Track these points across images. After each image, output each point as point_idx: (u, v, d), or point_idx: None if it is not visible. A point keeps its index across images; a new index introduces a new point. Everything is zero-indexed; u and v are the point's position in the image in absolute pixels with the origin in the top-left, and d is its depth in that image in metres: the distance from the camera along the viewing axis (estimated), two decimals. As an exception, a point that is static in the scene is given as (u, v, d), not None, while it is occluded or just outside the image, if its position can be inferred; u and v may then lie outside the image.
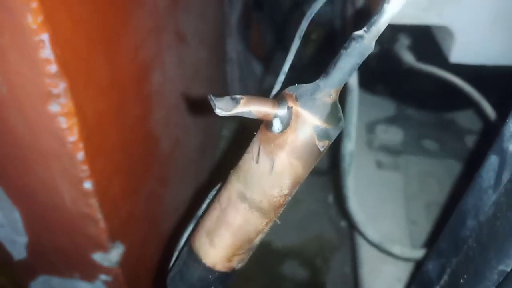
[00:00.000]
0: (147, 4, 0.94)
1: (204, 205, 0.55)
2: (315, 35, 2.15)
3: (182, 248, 0.55)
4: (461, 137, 1.33)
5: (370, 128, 1.33)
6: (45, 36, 0.60)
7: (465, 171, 1.19)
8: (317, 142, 0.42)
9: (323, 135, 0.42)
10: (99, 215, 0.84)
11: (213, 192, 0.55)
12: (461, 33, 0.75)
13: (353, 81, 0.89)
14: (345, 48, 0.40)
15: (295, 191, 0.47)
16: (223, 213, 0.48)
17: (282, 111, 0.42)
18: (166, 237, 1.23)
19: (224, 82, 1.95)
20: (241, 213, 0.47)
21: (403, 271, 0.95)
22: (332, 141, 0.44)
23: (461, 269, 0.49)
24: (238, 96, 0.41)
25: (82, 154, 0.75)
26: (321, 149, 0.43)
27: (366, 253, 1.02)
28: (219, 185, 0.53)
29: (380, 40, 1.23)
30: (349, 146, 0.83)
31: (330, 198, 1.84)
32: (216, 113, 0.40)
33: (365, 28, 0.39)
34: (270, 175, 0.44)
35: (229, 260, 0.49)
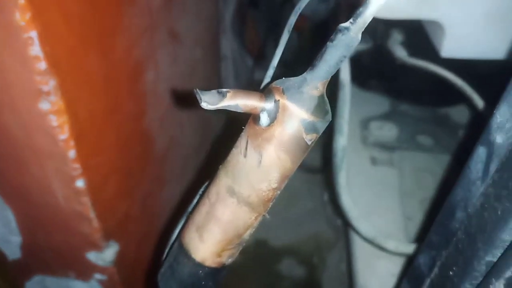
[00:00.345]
0: (140, 2, 0.94)
1: (195, 201, 0.55)
2: (310, 33, 2.15)
3: (173, 243, 0.55)
4: (456, 132, 1.33)
5: (364, 124, 1.33)
6: (33, 33, 0.60)
7: (459, 166, 1.19)
8: (304, 135, 0.42)
9: (310, 128, 0.42)
10: (92, 214, 0.84)
11: (203, 188, 0.55)
12: (451, 27, 0.75)
13: (345, 75, 0.89)
14: (331, 41, 0.40)
15: (284, 185, 0.47)
16: (212, 208, 0.48)
17: (269, 105, 0.42)
18: (162, 236, 1.23)
19: (219, 80, 1.94)
20: (230, 208, 0.46)
21: (398, 267, 0.95)
22: (320, 134, 0.44)
23: (450, 261, 0.49)
24: (224, 90, 0.41)
25: (73, 152, 0.75)
26: (309, 142, 0.43)
27: (360, 249, 1.02)
28: (208, 180, 0.53)
29: (373, 36, 1.23)
30: (341, 141, 0.82)
31: (326, 196, 1.84)
32: (202, 107, 0.40)
33: (351, 20, 0.39)
34: (258, 169, 0.44)
35: (219, 255, 0.49)
